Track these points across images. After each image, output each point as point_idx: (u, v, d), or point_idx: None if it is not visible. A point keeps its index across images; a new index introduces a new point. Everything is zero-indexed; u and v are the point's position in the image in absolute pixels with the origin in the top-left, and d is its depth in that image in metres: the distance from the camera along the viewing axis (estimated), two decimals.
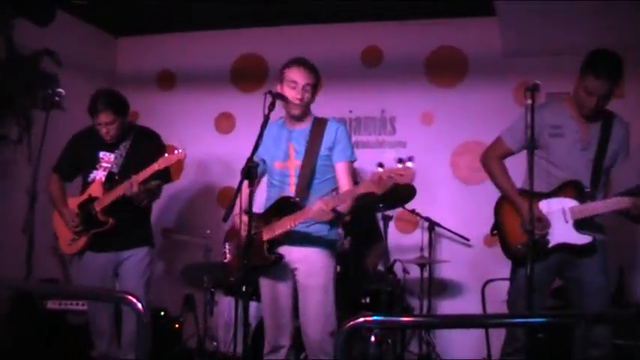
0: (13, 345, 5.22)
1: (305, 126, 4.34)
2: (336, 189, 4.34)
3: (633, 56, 6.32)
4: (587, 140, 4.30)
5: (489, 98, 6.57)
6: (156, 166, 4.71)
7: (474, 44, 6.76)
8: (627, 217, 4.24)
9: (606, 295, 4.25)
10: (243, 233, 4.10)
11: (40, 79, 6.03)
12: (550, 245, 4.21)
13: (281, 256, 4.17)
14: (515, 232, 4.35)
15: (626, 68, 6.34)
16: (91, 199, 4.98)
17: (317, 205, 3.97)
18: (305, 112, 4.33)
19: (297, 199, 4.17)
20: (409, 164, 3.62)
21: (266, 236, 4.18)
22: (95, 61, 7.38)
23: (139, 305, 2.81)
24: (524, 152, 4.29)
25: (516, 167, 4.48)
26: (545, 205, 4.25)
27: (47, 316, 5.70)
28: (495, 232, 4.50)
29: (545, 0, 5.34)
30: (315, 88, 4.32)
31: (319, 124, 4.33)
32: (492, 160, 4.50)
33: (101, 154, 5.06)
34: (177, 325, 6.30)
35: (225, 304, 6.05)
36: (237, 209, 4.11)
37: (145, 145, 5.08)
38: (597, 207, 4.17)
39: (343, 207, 4.10)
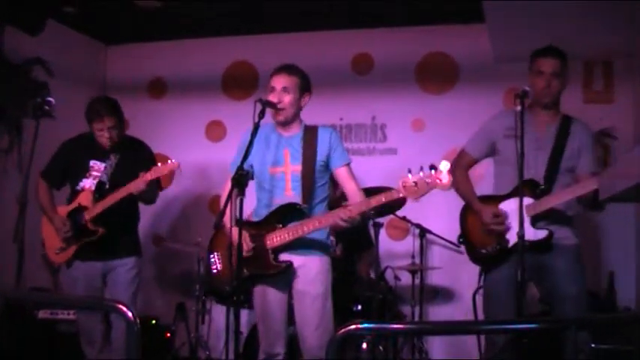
0: (4, 355, 5.20)
1: (297, 132, 4.34)
2: (328, 195, 4.39)
3: (623, 62, 6.41)
4: (544, 140, 4.38)
5: (480, 104, 6.56)
6: (148, 176, 4.72)
7: (465, 51, 6.79)
8: (585, 205, 4.36)
9: (578, 303, 4.22)
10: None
11: (31, 87, 6.02)
12: (510, 245, 4.28)
13: (290, 264, 4.14)
14: (479, 237, 4.45)
15: (616, 74, 6.45)
16: (81, 208, 4.95)
17: (348, 213, 3.97)
18: (292, 118, 4.32)
19: (306, 205, 4.16)
20: (445, 168, 3.75)
21: (271, 243, 4.15)
22: (86, 69, 7.37)
23: (130, 314, 2.80)
24: (491, 161, 4.64)
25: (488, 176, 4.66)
26: (504, 207, 4.36)
27: (38, 325, 5.68)
28: (462, 240, 4.61)
29: (534, 5, 5.37)
30: (299, 90, 4.30)
31: (311, 131, 4.33)
32: (457, 170, 4.61)
33: (92, 162, 5.04)
34: (168, 334, 6.28)
35: (218, 313, 6.05)
36: (228, 222, 4.08)
37: (135, 155, 5.09)
38: (550, 200, 4.23)
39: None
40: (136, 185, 4.73)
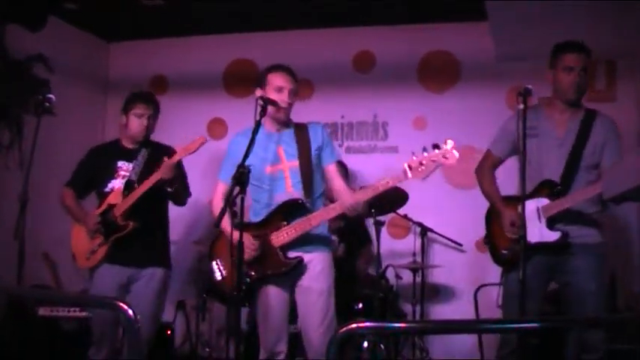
0: (4, 352, 5.19)
1: (288, 130, 4.37)
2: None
3: (625, 62, 6.40)
4: (564, 137, 4.33)
5: (482, 103, 6.57)
6: (176, 157, 4.66)
7: (467, 49, 6.78)
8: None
9: (598, 300, 4.21)
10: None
11: (32, 84, 6.01)
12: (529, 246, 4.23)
13: (301, 259, 4.14)
14: (501, 238, 4.43)
15: (619, 73, 6.44)
16: (110, 208, 4.84)
17: (355, 197, 4.04)
18: (289, 116, 4.36)
19: (308, 200, 4.17)
20: (449, 146, 3.82)
21: (278, 241, 4.14)
22: (87, 67, 7.36)
23: (130, 312, 2.79)
24: (515, 160, 4.51)
25: (508, 175, 4.63)
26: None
27: (39, 322, 5.66)
28: (487, 241, 4.58)
29: (537, 4, 5.36)
30: (296, 93, 4.36)
31: (301, 127, 4.37)
32: (483, 170, 4.63)
33: (119, 163, 4.96)
34: (169, 332, 6.27)
35: (218, 311, 6.04)
36: (228, 226, 4.07)
37: (162, 157, 4.96)
38: (565, 201, 4.19)
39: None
40: (164, 170, 4.67)
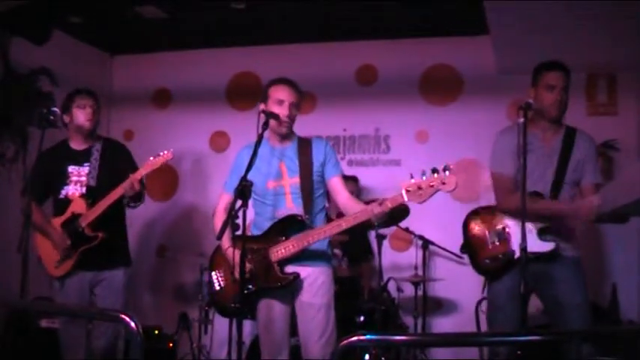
0: None
1: (291, 144, 4.37)
2: (329, 205, 4.41)
3: (626, 75, 6.42)
4: (550, 153, 4.37)
5: (484, 116, 6.58)
6: (143, 171, 4.65)
7: (468, 62, 6.81)
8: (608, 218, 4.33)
9: (584, 312, 4.26)
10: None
11: (36, 97, 6.04)
12: (516, 256, 4.24)
13: (297, 275, 4.13)
14: (483, 247, 4.44)
15: (620, 86, 6.46)
16: (75, 217, 4.82)
17: (378, 207, 3.90)
18: (291, 130, 4.36)
19: (307, 216, 4.17)
20: (448, 172, 3.77)
21: (276, 256, 4.13)
22: (91, 79, 7.35)
23: (133, 324, 2.80)
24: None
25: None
26: (509, 219, 4.37)
27: (42, 334, 5.67)
28: (464, 250, 4.61)
29: (538, 18, 5.39)
30: (298, 106, 4.36)
31: (304, 143, 4.37)
32: (510, 196, 4.35)
33: (70, 168, 4.92)
34: (171, 344, 6.28)
35: (221, 323, 6.04)
36: (227, 242, 4.09)
37: (117, 156, 5.01)
38: (552, 203, 4.23)
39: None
40: (130, 185, 4.65)
